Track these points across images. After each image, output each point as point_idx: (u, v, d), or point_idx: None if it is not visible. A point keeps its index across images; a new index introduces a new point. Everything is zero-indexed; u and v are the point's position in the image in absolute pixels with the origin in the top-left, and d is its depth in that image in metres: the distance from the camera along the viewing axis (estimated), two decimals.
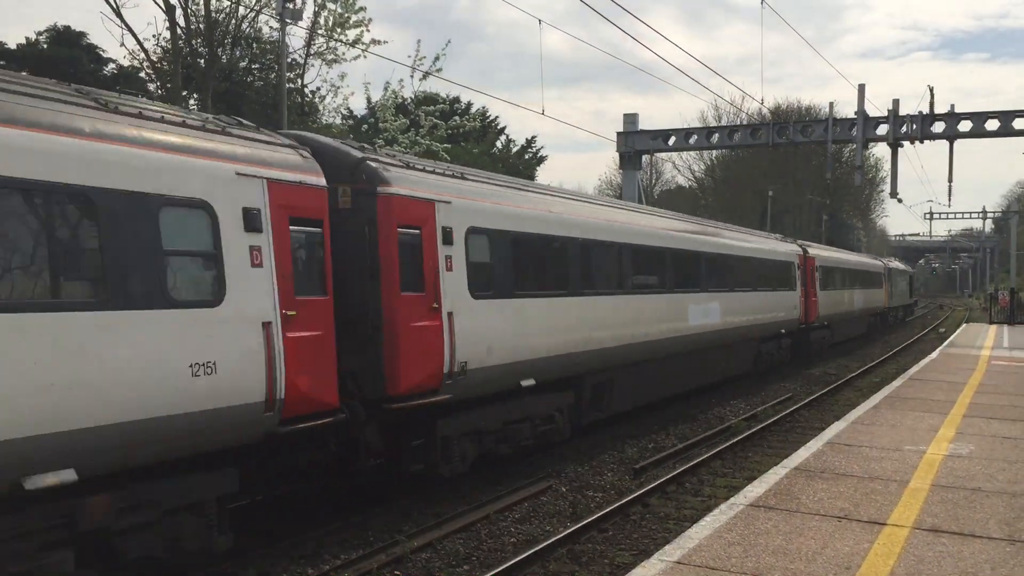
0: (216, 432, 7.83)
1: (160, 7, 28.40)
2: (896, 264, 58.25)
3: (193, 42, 30.61)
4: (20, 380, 6.23)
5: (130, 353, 7.00)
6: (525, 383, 12.41)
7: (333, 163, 9.87)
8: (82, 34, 31.23)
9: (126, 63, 32.16)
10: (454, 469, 11.35)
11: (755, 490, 9.42)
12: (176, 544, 7.74)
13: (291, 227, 8.75)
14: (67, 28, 30.92)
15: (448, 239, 11.04)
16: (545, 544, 9.37)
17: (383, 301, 10.05)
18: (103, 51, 32.00)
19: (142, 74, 32.37)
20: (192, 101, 31.29)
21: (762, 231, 31.74)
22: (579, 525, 10.10)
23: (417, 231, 10.52)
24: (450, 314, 10.92)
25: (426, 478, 11.15)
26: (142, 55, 30.59)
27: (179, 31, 29.26)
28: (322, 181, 9.29)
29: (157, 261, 7.33)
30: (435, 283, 10.74)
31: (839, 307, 33.80)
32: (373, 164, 10.25)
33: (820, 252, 32.55)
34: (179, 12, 29.08)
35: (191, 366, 7.50)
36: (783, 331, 26.29)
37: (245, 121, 9.27)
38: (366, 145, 11.38)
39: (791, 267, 27.24)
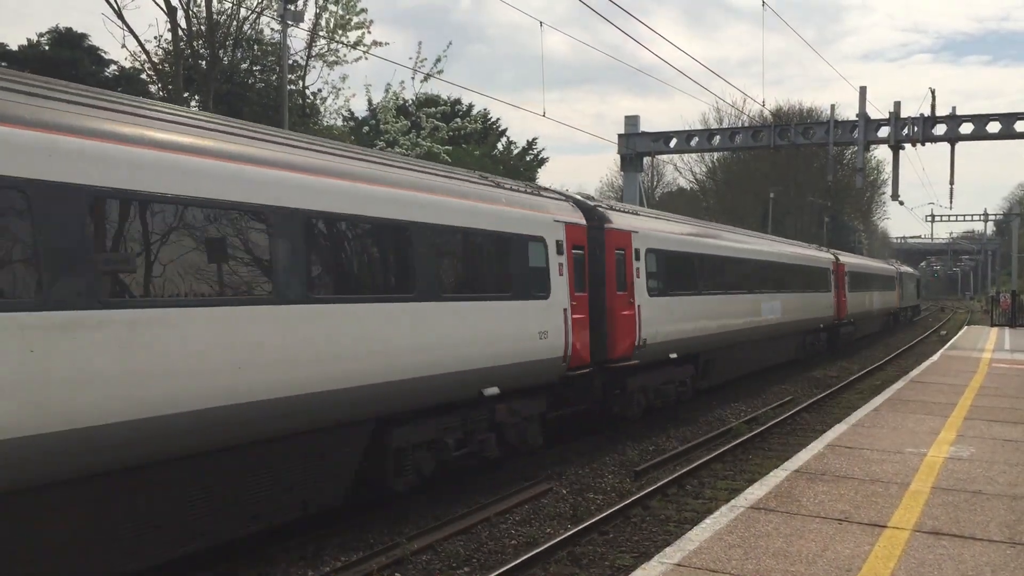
0: (545, 372, 13.00)
1: (162, 9, 28.51)
2: (906, 269, 63.58)
3: (194, 44, 30.66)
4: (487, 338, 11.53)
5: (520, 322, 12.31)
6: (672, 356, 17.31)
7: (582, 208, 15.15)
8: (84, 36, 31.28)
9: (127, 65, 32.25)
10: (635, 414, 16.46)
11: (756, 492, 9.41)
12: (523, 438, 12.93)
13: (572, 251, 13.92)
14: (69, 30, 30.96)
15: (637, 256, 16.13)
16: (546, 546, 9.37)
17: (606, 297, 15.18)
18: (105, 53, 32.06)
19: (143, 75, 32.43)
20: (193, 102, 31.33)
21: (804, 242, 37.27)
22: (580, 527, 10.10)
23: (623, 251, 15.70)
24: (639, 307, 15.95)
25: (620, 419, 16.25)
26: (143, 57, 30.68)
27: (180, 32, 29.33)
28: (583, 221, 14.58)
29: (528, 272, 12.62)
30: (632, 285, 15.84)
31: (862, 307, 38.88)
32: (601, 209, 15.68)
33: (849, 259, 38.26)
34: (180, 14, 29.16)
35: (539, 332, 12.71)
36: (821, 325, 31.43)
37: (542, 186, 15.40)
38: (593, 197, 17.31)
39: (828, 272, 32.43)
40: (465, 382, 10.99)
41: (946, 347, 32.06)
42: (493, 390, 11.52)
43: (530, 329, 12.41)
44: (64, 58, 29.17)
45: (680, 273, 18.16)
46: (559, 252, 13.36)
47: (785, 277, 26.04)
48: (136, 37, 32.46)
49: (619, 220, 15.78)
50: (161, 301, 7.28)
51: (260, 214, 8.25)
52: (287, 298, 8.41)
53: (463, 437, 11.44)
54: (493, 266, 11.88)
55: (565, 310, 13.31)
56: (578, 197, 15.59)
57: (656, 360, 16.61)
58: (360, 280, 9.55)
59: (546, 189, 14.81)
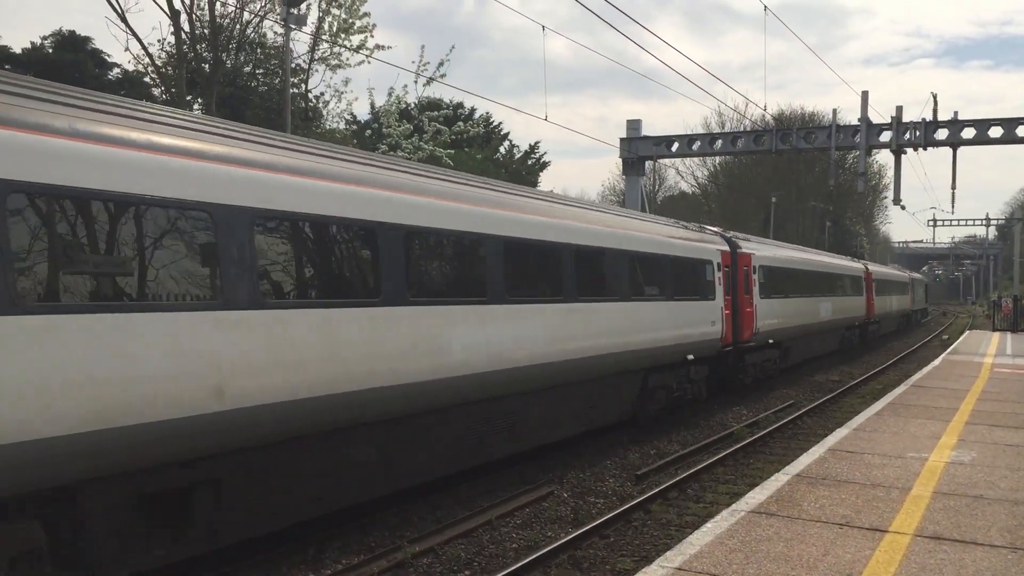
0: (711, 348, 19.14)
1: (165, 12, 28.54)
2: (916, 275, 73.44)
3: (197, 47, 30.71)
4: (690, 323, 17.79)
5: (699, 316, 18.24)
6: (770, 341, 23.62)
7: (726, 239, 21.63)
8: (87, 39, 31.33)
9: (130, 68, 32.30)
10: (750, 381, 22.96)
11: (757, 497, 9.42)
12: (699, 391, 19.11)
13: (724, 268, 20.18)
14: (72, 33, 31.03)
15: (755, 271, 22.57)
16: (547, 550, 9.37)
17: (738, 298, 21.23)
18: (108, 56, 32.13)
19: (146, 79, 32.48)
20: (196, 106, 31.38)
21: (841, 255, 45.62)
22: (581, 531, 10.09)
23: (747, 268, 22.08)
24: (756, 305, 22.31)
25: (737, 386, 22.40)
26: (146, 60, 30.72)
27: (184, 36, 29.36)
28: (728, 248, 20.99)
29: (705, 283, 18.86)
30: (752, 290, 22.18)
31: (885, 308, 45.89)
32: (736, 240, 22.16)
33: (875, 268, 45.34)
34: (184, 17, 29.20)
35: (711, 321, 18.92)
36: (856, 323, 37.80)
37: (704, 225, 22.86)
38: (727, 231, 23.55)
39: (860, 280, 38.79)
40: (681, 350, 17.52)
41: (948, 351, 32.03)
42: (690, 357, 18.06)
43: (707, 319, 18.89)
44: (67, 61, 29.24)
45: (776, 282, 24.67)
46: (718, 269, 19.80)
47: (833, 284, 32.84)
48: (139, 40, 32.54)
49: (745, 246, 22.58)
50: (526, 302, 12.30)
51: (602, 252, 14.55)
52: (615, 298, 14.76)
53: (675, 385, 17.73)
54: (691, 278, 18.31)
55: (721, 308, 19.71)
56: (719, 231, 22.69)
57: (762, 344, 23.17)
58: (643, 289, 16.00)
59: (707, 228, 22.57)
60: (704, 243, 19.51)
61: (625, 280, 15.00)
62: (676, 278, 17.29)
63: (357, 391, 8.97)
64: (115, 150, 6.98)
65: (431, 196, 10.37)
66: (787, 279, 25.87)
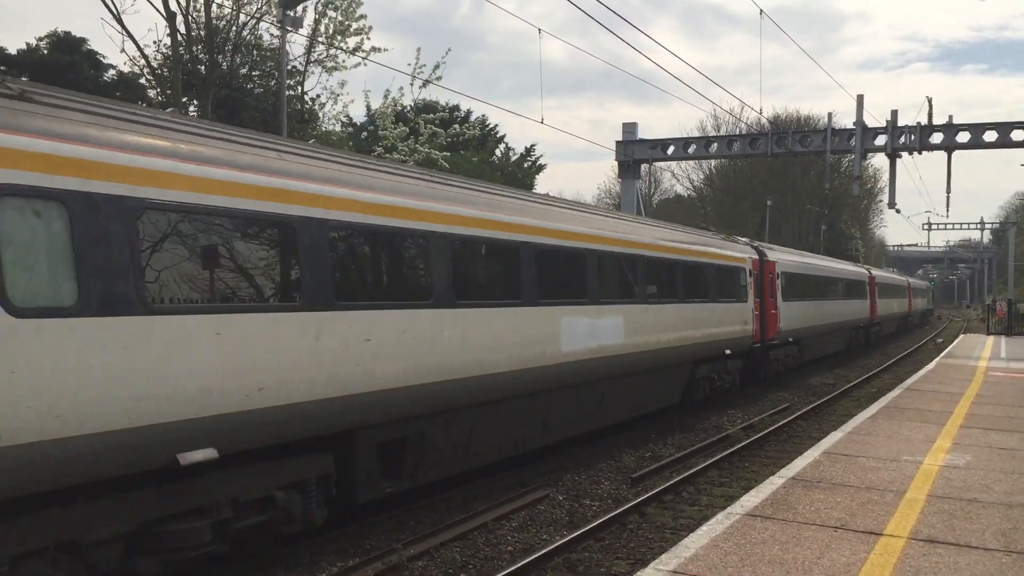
0: (744, 345, 21.76)
1: (161, 13, 28.49)
2: (919, 282, 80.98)
3: (194, 48, 30.67)
4: (729, 321, 20.79)
5: (735, 316, 20.96)
6: (790, 340, 26.61)
7: (755, 248, 24.78)
8: (82, 40, 31.30)
9: (126, 69, 32.27)
10: (774, 374, 26.26)
11: (752, 500, 9.42)
12: (724, 382, 21.41)
13: (753, 274, 22.56)
14: (67, 34, 30.99)
15: (778, 276, 25.39)
16: (542, 553, 9.37)
17: (764, 301, 23.93)
18: (103, 57, 32.09)
19: (142, 80, 32.44)
20: (192, 107, 31.35)
21: (848, 261, 50.92)
22: (576, 534, 10.10)
23: (772, 274, 24.91)
24: (779, 307, 25.17)
25: (767, 379, 25.58)
26: (142, 61, 30.67)
27: (180, 37, 29.33)
28: (756, 256, 23.81)
29: (740, 287, 21.57)
30: (776, 294, 24.99)
31: (887, 311, 49.81)
32: (762, 248, 25.23)
33: (877, 273, 49.46)
34: (180, 19, 29.16)
35: (744, 321, 21.61)
36: (861, 324, 41.08)
37: (736, 236, 25.25)
38: (753, 240, 27.34)
39: (865, 284, 42.39)
40: (721, 346, 20.20)
41: (942, 355, 32.10)
42: (728, 351, 20.62)
43: (741, 319, 21.70)
44: (63, 62, 29.20)
45: (794, 286, 27.37)
46: (749, 275, 22.47)
47: (842, 288, 35.72)
48: (135, 41, 32.43)
49: (770, 255, 25.55)
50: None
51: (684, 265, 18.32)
52: (674, 300, 17.57)
53: (715, 376, 20.75)
54: (729, 284, 21.17)
55: (752, 309, 22.51)
56: (748, 241, 26.00)
57: (784, 342, 26.05)
58: (694, 292, 18.66)
59: (738, 239, 25.11)
60: (738, 252, 22.39)
61: (681, 285, 18.03)
62: (718, 283, 20.28)
63: (513, 371, 11.82)
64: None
65: (563, 221, 13.66)
66: (804, 284, 28.89)
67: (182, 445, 7.21)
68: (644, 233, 16.69)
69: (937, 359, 30.05)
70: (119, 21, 27.87)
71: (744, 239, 26.40)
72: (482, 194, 11.88)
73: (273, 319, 8.12)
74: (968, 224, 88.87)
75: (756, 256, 24.00)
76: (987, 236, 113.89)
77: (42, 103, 6.79)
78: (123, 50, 44.02)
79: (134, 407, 6.85)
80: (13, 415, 6.08)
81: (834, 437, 13.55)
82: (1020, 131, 29.88)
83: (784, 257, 27.48)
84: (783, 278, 26.04)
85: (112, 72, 32.13)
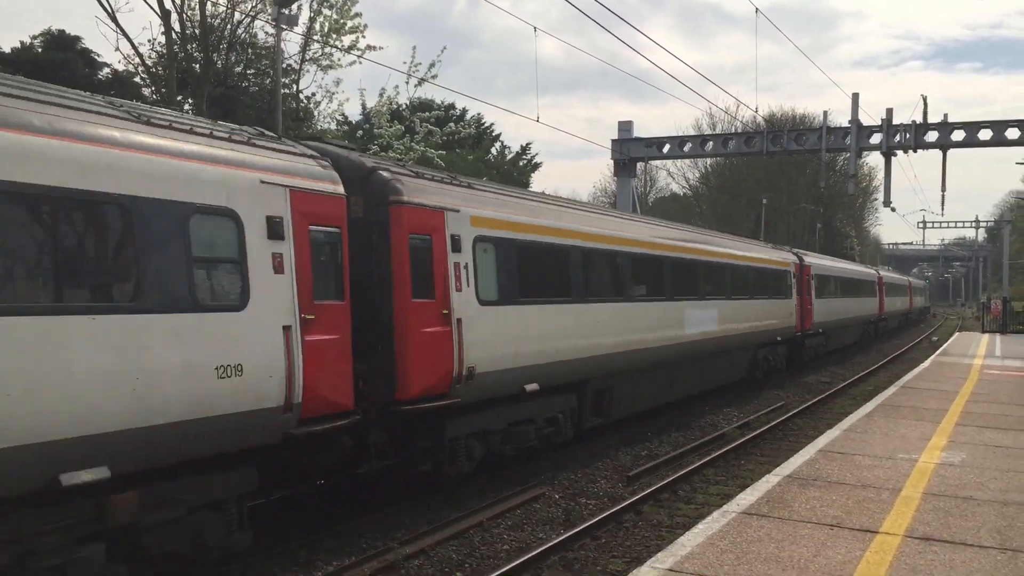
0: (790, 333, 27.73)
1: (155, 12, 28.37)
2: (918, 281, 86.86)
3: (188, 47, 30.58)
4: (780, 315, 26.52)
5: (783, 310, 26.66)
6: (820, 331, 31.34)
7: (794, 252, 30.75)
8: (77, 38, 31.16)
9: (121, 67, 32.14)
10: (807, 359, 29.95)
11: (748, 498, 9.43)
12: (776, 363, 26.91)
13: (794, 276, 28.13)
14: (61, 32, 30.86)
15: (812, 278, 29.21)
16: (538, 551, 9.37)
17: (803, 298, 28.64)
18: (98, 55, 31.94)
19: (136, 79, 32.34)
20: (187, 106, 31.26)
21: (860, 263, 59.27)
22: (572, 532, 10.10)
23: (808, 275, 29.54)
24: (813, 304, 29.42)
25: None
26: (137, 59, 30.57)
27: (174, 36, 29.24)
28: (796, 260, 29.24)
29: (786, 287, 27.43)
30: (810, 292, 29.31)
31: (892, 308, 54.71)
32: (799, 253, 29.89)
33: (884, 274, 55.26)
34: (174, 17, 29.07)
35: (789, 315, 27.50)
36: (870, 319, 45.95)
37: (774, 244, 30.14)
38: (792, 248, 32.29)
39: (874, 284, 47.09)
40: (774, 334, 25.42)
41: (937, 353, 32.15)
42: (779, 338, 25.93)
43: (787, 312, 26.82)
44: (57, 60, 29.09)
45: (824, 286, 31.32)
46: (792, 277, 26.80)
47: (858, 288, 40.32)
48: (129, 40, 32.09)
49: (806, 259, 29.47)
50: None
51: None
52: (746, 296, 22.82)
53: (771, 357, 25.77)
54: (779, 283, 25.97)
55: (795, 304, 26.29)
56: (789, 248, 29.79)
57: (816, 333, 30.55)
58: (758, 290, 23.79)
59: (783, 247, 29.19)
60: (784, 258, 27.68)
61: (751, 285, 23.55)
62: (772, 284, 25.63)
63: (652, 348, 16.95)
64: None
65: (682, 241, 19.41)
66: (830, 284, 33.40)
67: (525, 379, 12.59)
68: (727, 244, 22.68)
69: (932, 357, 30.10)
70: (113, 19, 27.75)
71: (787, 247, 31.34)
72: (644, 225, 18.27)
73: (557, 307, 13.53)
74: (963, 222, 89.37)
75: (796, 260, 28.87)
76: (982, 234, 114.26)
77: None
78: (118, 48, 43.87)
79: None
80: None
81: (830, 435, 13.57)
82: (1015, 129, 29.96)
83: (817, 261, 32.81)
84: (816, 279, 30.59)
85: (107, 70, 32.02)
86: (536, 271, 13.01)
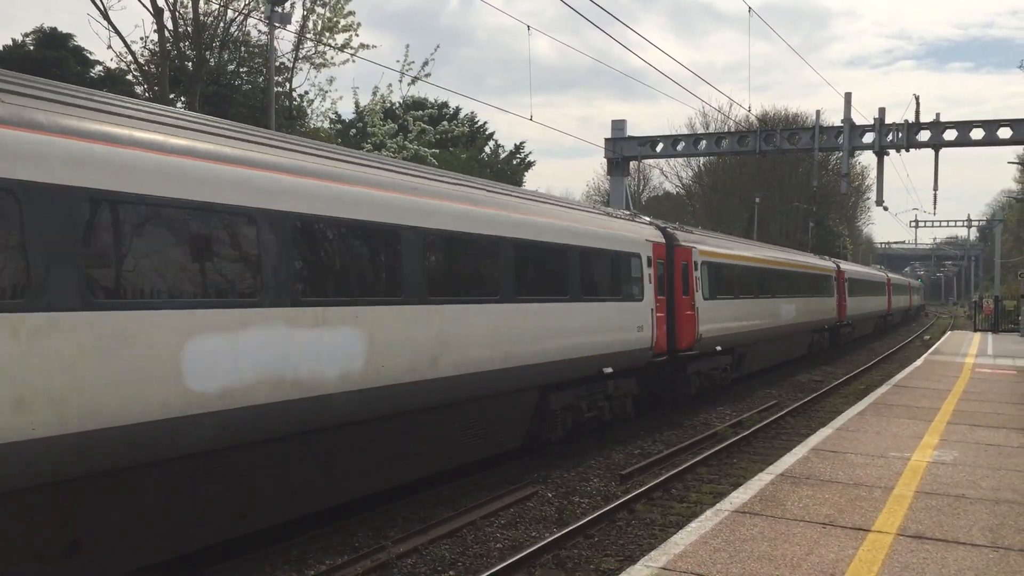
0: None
1: (148, 9, 28.34)
2: (915, 282, 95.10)
3: (181, 45, 30.52)
4: (820, 311, 34.78)
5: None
6: (718, 348, 22.89)
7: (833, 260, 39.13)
8: (69, 36, 31.10)
9: (113, 65, 32.09)
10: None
11: (741, 496, 9.44)
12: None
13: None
14: (54, 30, 30.79)
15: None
16: (531, 550, 9.36)
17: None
18: (90, 53, 31.90)
19: (129, 76, 32.26)
20: (180, 104, 31.19)
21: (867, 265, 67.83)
22: (565, 531, 10.10)
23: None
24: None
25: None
26: (129, 57, 30.51)
27: (167, 34, 29.18)
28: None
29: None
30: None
31: (897, 304, 62.47)
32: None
33: (891, 275, 64.30)
34: (167, 15, 29.01)
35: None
36: (880, 314, 53.83)
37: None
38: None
39: (884, 284, 55.19)
40: (824, 323, 34.20)
41: (930, 352, 32.24)
42: (825, 327, 34.71)
43: (831, 306, 35.44)
44: (49, 58, 29.00)
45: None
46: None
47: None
48: (122, 37, 32.24)
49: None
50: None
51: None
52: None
53: (821, 340, 33.40)
54: (825, 285, 33.82)
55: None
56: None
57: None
58: (812, 291, 31.75)
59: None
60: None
61: (812, 286, 32.25)
62: (824, 285, 35.25)
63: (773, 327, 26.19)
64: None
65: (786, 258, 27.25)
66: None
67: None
68: (798, 258, 32.68)
69: (924, 356, 30.19)
70: (106, 17, 27.73)
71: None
72: (763, 249, 25.94)
73: (739, 301, 22.95)
74: (955, 221, 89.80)
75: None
76: (974, 233, 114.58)
77: None
78: (110, 46, 43.84)
79: None
80: None
81: (823, 434, 13.59)
82: (1006, 129, 30.03)
83: (849, 268, 39.42)
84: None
85: (99, 68, 31.95)
86: (728, 279, 22.53)
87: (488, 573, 8.62)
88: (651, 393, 18.44)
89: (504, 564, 8.89)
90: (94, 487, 6.65)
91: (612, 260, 15.62)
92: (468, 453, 11.89)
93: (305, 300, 8.51)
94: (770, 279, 26.69)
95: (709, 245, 21.73)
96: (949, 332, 50.53)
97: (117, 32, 29.86)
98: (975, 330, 50.28)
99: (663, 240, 18.51)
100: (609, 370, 15.15)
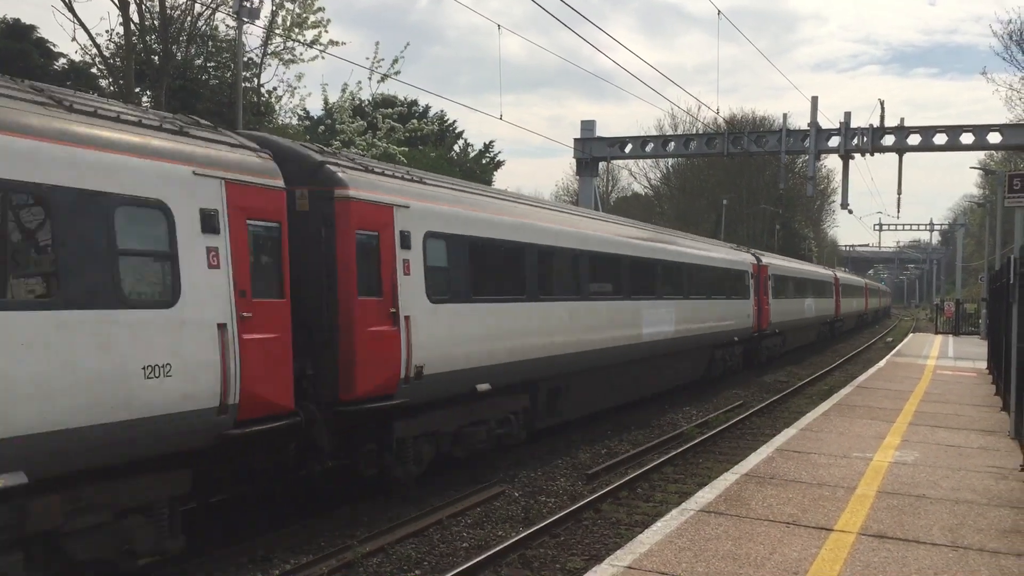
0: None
1: (113, 2, 27.92)
2: (884, 287, 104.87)
3: (147, 38, 30.13)
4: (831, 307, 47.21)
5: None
6: (777, 331, 32.09)
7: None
8: (32, 27, 30.61)
9: (77, 58, 31.62)
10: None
11: (706, 496, 9.51)
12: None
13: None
14: (17, 21, 30.30)
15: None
16: (497, 549, 9.37)
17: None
18: (54, 45, 31.42)
19: (94, 70, 31.82)
20: (145, 98, 30.82)
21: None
22: (531, 530, 10.11)
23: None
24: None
25: None
26: (94, 50, 30.07)
27: (133, 27, 28.78)
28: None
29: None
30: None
31: (871, 306, 71.74)
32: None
33: (868, 281, 70.20)
34: (133, 8, 28.62)
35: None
36: (858, 314, 62.09)
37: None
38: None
39: (862, 288, 63.80)
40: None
41: (892, 354, 32.68)
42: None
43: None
44: (12, 50, 28.53)
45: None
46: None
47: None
48: (87, 30, 31.59)
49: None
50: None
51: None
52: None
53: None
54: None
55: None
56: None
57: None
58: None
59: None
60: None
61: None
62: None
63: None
64: None
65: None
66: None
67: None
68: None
69: (887, 357, 30.59)
70: (70, 8, 27.26)
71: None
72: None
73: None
74: (918, 225, 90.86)
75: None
76: (936, 237, 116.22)
77: None
78: (74, 38, 43.07)
79: None
80: None
81: (787, 434, 13.73)
82: (969, 134, 30.54)
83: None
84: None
85: (63, 61, 31.48)
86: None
87: (454, 572, 8.61)
88: (745, 353, 28.27)
89: (470, 563, 8.88)
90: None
91: (736, 275, 26.50)
92: (680, 378, 22.33)
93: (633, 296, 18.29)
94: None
95: (771, 259, 32.34)
96: (911, 334, 51.23)
97: (82, 24, 29.26)
98: (936, 332, 51.05)
99: (755, 261, 29.04)
100: (736, 339, 26.33)
